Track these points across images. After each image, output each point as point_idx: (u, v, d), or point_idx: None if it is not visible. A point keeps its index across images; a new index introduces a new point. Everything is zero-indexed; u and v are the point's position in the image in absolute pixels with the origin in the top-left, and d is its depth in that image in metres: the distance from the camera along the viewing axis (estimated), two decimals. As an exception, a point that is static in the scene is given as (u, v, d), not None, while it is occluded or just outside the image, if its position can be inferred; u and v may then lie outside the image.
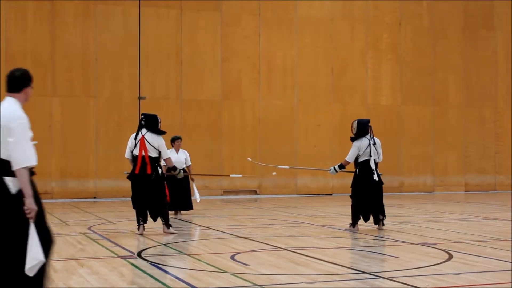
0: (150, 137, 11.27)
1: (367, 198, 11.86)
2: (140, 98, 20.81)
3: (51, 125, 20.15)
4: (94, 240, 10.54)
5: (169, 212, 14.79)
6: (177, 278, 7.28)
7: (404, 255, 9.04)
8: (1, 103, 5.57)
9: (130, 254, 8.98)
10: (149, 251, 9.29)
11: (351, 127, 12.29)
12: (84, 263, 8.28)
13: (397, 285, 6.83)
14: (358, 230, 11.81)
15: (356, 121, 12.33)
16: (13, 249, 5.21)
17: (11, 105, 5.54)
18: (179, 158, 15.25)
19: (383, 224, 11.98)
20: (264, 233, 11.73)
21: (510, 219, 13.74)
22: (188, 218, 14.26)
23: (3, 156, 5.43)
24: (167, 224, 11.31)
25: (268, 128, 22.13)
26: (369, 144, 11.98)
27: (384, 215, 12.01)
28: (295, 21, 22.76)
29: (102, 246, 9.90)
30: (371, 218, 12.04)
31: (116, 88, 20.69)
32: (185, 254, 9.08)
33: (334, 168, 12.37)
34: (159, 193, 11.25)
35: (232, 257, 8.71)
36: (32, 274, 5.19)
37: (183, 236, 11.14)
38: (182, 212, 15.44)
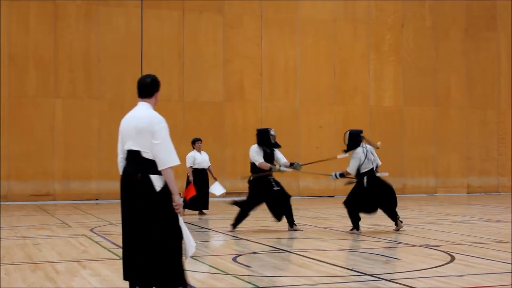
0: (250, 150, 12.56)
1: (379, 203, 11.88)
2: (142, 99, 20.79)
3: (54, 126, 20.16)
4: (96, 242, 10.54)
5: (192, 211, 15.78)
6: (179, 280, 7.26)
7: (406, 257, 9.03)
8: (136, 108, 6.17)
9: (132, 256, 8.96)
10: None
11: (344, 139, 12.26)
12: (86, 264, 8.28)
13: (399, 287, 6.82)
14: (361, 232, 11.83)
15: (348, 132, 12.30)
16: (162, 243, 5.82)
17: (149, 110, 6.16)
18: (204, 158, 16.04)
19: (401, 222, 11.98)
20: (266, 235, 11.72)
21: (513, 220, 13.73)
22: (190, 220, 14.25)
23: (148, 156, 5.99)
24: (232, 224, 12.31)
25: (270, 130, 22.07)
26: (366, 153, 12.03)
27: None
28: (297, 22, 22.76)
29: (104, 247, 9.90)
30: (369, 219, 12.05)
31: (119, 89, 20.70)
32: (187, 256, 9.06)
33: (336, 175, 12.33)
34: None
35: (234, 259, 8.71)
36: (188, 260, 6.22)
37: (185, 237, 11.12)
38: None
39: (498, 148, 24.94)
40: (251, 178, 12.48)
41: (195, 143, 16.14)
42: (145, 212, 5.88)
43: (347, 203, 11.98)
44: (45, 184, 20.00)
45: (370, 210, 11.91)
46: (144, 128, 6.03)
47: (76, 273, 7.72)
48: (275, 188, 12.28)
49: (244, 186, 22.26)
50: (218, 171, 21.51)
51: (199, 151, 16.10)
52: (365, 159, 11.89)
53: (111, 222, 13.85)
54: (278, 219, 12.40)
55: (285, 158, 12.57)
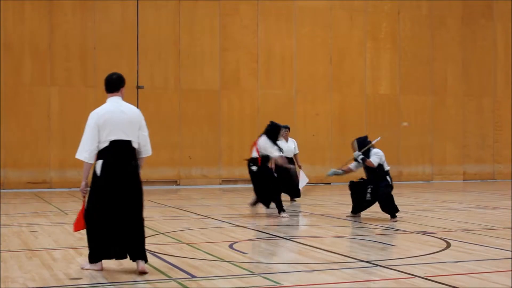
0: (261, 142, 12.53)
1: None
2: (138, 87, 20.79)
3: (50, 114, 20.13)
4: (92, 229, 10.53)
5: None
6: (176, 266, 7.29)
7: (403, 243, 9.06)
8: (113, 101, 6.98)
9: (129, 243, 8.97)
10: (147, 240, 9.28)
11: (353, 147, 12.09)
12: (82, 252, 8.28)
13: (395, 274, 6.85)
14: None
15: (355, 140, 12.12)
16: (140, 214, 7.02)
17: (129, 104, 7.07)
18: (289, 146, 15.85)
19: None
20: (263, 222, 11.75)
21: (509, 207, 13.75)
22: (187, 208, 14.27)
23: (135, 146, 6.98)
24: (279, 209, 12.36)
25: (266, 118, 21.86)
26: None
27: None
28: (293, 10, 22.71)
29: (101, 235, 9.88)
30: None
31: (115, 77, 20.65)
32: (184, 243, 9.09)
33: (359, 155, 12.17)
34: (264, 184, 12.49)
35: (231, 246, 8.73)
36: None
37: (182, 225, 11.15)
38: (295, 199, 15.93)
39: (494, 135, 24.98)
40: (255, 169, 12.60)
41: (281, 130, 16.01)
42: (137, 194, 6.93)
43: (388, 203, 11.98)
44: (41, 172, 19.99)
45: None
46: (136, 120, 6.96)
47: (72, 260, 7.73)
48: (276, 175, 12.69)
49: (242, 173, 22.18)
50: (214, 159, 21.56)
51: (286, 139, 15.85)
52: (384, 158, 11.93)
53: (107, 210, 13.83)
54: (267, 205, 12.73)
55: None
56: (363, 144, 11.99)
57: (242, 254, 8.17)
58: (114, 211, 6.84)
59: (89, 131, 6.84)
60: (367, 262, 7.51)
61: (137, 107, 21.92)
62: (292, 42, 22.65)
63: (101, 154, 6.85)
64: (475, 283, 6.42)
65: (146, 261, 6.94)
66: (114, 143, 6.83)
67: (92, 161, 6.86)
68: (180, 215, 12.85)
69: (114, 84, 7.06)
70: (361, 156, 11.86)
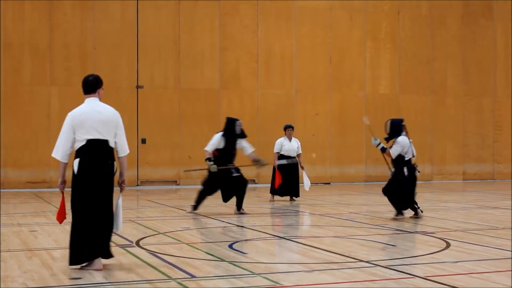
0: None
1: (411, 191, 11.90)
2: (138, 87, 20.79)
3: (50, 114, 20.13)
4: (92, 229, 10.52)
5: (280, 197, 15.81)
6: (175, 266, 7.28)
7: (402, 243, 9.06)
8: (90, 102, 7.21)
9: (129, 243, 8.98)
10: (147, 240, 9.29)
11: (385, 128, 12.03)
12: (82, 252, 8.27)
13: (395, 274, 6.84)
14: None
15: (389, 121, 12.09)
16: (111, 213, 7.16)
17: (106, 104, 7.30)
18: (292, 146, 15.85)
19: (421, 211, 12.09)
20: (263, 222, 11.75)
21: (509, 207, 13.75)
22: (187, 207, 14.26)
23: (111, 145, 7.12)
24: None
25: (266, 118, 22.10)
26: (410, 143, 11.87)
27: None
28: (293, 10, 22.71)
29: (101, 235, 9.88)
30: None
31: (114, 77, 20.64)
32: (183, 243, 9.09)
33: (378, 142, 12.00)
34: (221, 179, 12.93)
35: (230, 246, 8.73)
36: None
37: (181, 225, 11.15)
38: (295, 198, 15.95)
39: (494, 135, 24.99)
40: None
41: (286, 130, 15.97)
42: (110, 193, 7.08)
43: (387, 192, 11.87)
44: (41, 171, 19.98)
45: (408, 199, 11.87)
46: (112, 120, 7.17)
47: (72, 260, 7.71)
48: (234, 174, 12.97)
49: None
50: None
51: (289, 138, 15.90)
52: (408, 148, 11.81)
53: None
54: (225, 200, 13.03)
55: (250, 149, 13.31)
56: (397, 128, 11.88)
57: (242, 254, 8.16)
58: (89, 209, 6.98)
59: (65, 132, 7.19)
60: (367, 262, 7.50)
61: (137, 107, 21.88)
62: (292, 42, 22.65)
63: (78, 153, 7.09)
64: (475, 283, 6.41)
65: (109, 257, 7.20)
66: (91, 142, 7.03)
67: (65, 161, 7.10)
68: (180, 215, 12.84)
69: (90, 85, 7.28)
70: (380, 146, 11.82)
